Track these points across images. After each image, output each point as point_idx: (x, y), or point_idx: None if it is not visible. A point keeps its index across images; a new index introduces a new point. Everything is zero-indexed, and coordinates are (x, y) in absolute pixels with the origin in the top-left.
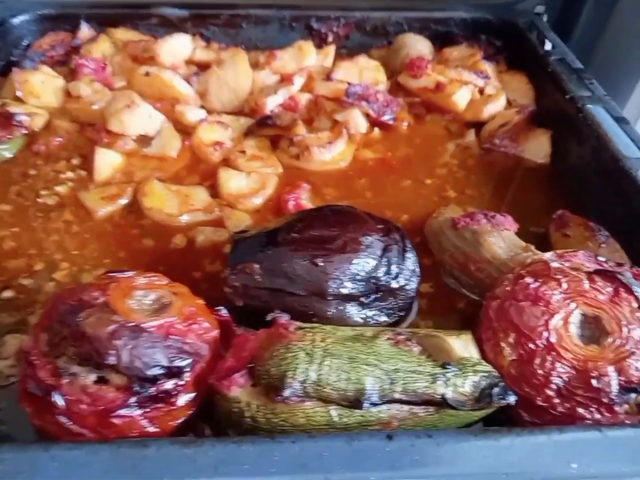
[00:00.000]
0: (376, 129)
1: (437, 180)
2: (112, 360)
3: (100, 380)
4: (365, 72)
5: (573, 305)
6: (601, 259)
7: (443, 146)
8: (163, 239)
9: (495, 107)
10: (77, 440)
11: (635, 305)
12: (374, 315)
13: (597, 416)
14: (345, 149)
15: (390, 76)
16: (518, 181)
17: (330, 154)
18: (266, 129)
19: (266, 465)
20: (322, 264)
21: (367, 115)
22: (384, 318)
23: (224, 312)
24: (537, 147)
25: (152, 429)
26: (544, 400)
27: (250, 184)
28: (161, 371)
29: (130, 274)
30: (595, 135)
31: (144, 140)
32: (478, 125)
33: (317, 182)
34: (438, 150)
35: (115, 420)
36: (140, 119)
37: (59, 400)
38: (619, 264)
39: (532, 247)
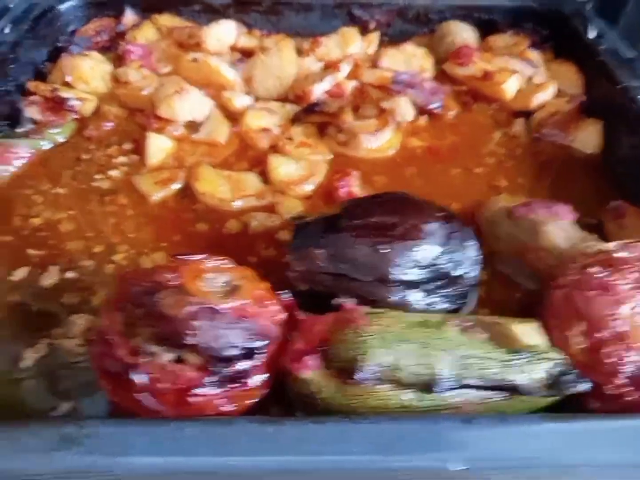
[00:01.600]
0: (423, 117)
1: (486, 169)
2: (190, 340)
3: (177, 360)
4: (411, 59)
5: None
6: None
7: (490, 135)
8: (217, 223)
9: (544, 96)
10: (161, 417)
11: None
12: (435, 302)
13: None
14: (393, 136)
15: (433, 64)
16: (568, 172)
17: (378, 142)
18: (313, 115)
19: (346, 445)
20: (384, 250)
21: (415, 104)
22: (444, 305)
23: (287, 296)
24: (588, 138)
25: (226, 408)
26: (613, 389)
27: (300, 170)
28: (237, 352)
29: (199, 257)
30: None
31: (193, 126)
32: (525, 115)
33: (366, 169)
34: (485, 139)
35: (192, 399)
36: (190, 104)
37: (139, 378)
38: None
39: (593, 236)
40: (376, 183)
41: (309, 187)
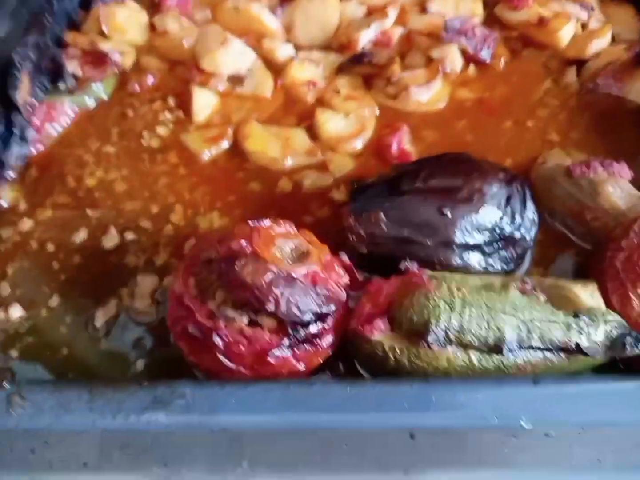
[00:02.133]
0: (471, 67)
1: (538, 122)
2: (271, 307)
3: (253, 323)
4: (460, 3)
5: None
6: None
7: (541, 85)
8: (269, 182)
9: (600, 43)
10: (244, 379)
11: None
12: (494, 263)
13: None
14: (442, 88)
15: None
16: (622, 125)
17: (428, 94)
18: (360, 66)
19: (424, 404)
20: (449, 213)
21: (463, 52)
22: (502, 266)
23: (345, 257)
24: None
25: (300, 367)
26: None
27: (349, 125)
28: (312, 316)
29: (267, 223)
30: None
31: (236, 79)
32: (578, 63)
33: (415, 123)
34: (536, 89)
35: (270, 360)
36: (233, 56)
37: (219, 341)
38: None
39: None
40: (427, 138)
41: (359, 144)
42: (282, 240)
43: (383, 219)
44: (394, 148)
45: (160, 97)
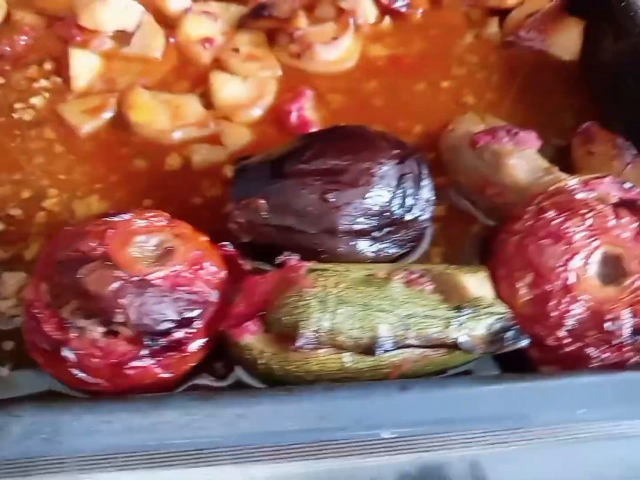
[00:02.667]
0: (386, 19)
1: (454, 82)
2: (119, 318)
3: (109, 332)
4: None
5: (596, 243)
6: (627, 185)
7: (461, 39)
8: (156, 158)
9: None
10: (95, 397)
11: None
12: (386, 248)
13: (604, 355)
14: (352, 45)
15: None
16: (543, 83)
17: (335, 52)
18: (262, 20)
19: (285, 418)
20: (333, 199)
21: (377, 2)
22: (395, 250)
23: (229, 247)
24: (567, 41)
25: (165, 375)
26: (555, 340)
27: (247, 91)
28: (171, 324)
29: (127, 216)
30: (637, 32)
31: (123, 37)
32: (501, 13)
33: (321, 86)
34: (456, 44)
35: (129, 372)
36: (116, 10)
37: (69, 355)
38: None
39: (555, 169)
40: (332, 103)
41: (256, 112)
42: (143, 237)
43: (264, 206)
44: (294, 116)
45: (36, 61)
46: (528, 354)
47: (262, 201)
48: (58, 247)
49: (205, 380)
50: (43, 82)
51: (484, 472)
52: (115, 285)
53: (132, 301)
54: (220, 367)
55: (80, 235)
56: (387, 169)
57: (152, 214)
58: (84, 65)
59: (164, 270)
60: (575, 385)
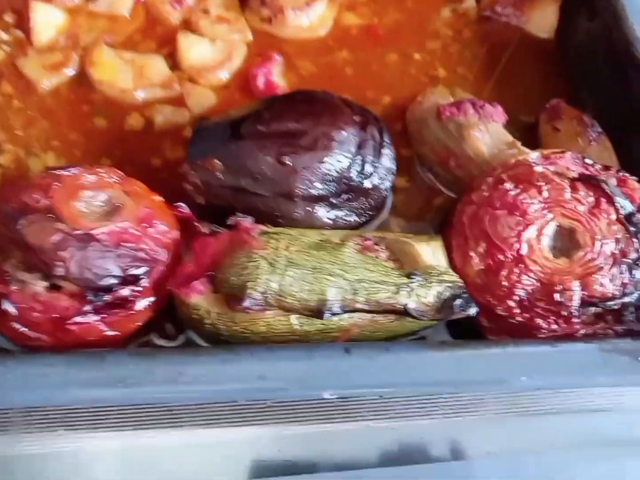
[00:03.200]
0: None
1: (426, 55)
2: (60, 271)
3: (53, 287)
4: None
5: (550, 216)
6: (588, 161)
7: (437, 12)
8: (117, 118)
9: None
10: (33, 349)
11: (613, 217)
12: (344, 215)
13: (554, 326)
14: (326, 11)
15: None
16: (515, 59)
17: (307, 18)
18: None
19: (225, 375)
20: (289, 162)
21: None
22: (354, 218)
23: (184, 208)
24: (543, 18)
25: (111, 333)
26: (505, 310)
27: (215, 53)
28: (115, 280)
29: (75, 170)
30: (611, 11)
31: None
32: None
33: (291, 52)
34: (431, 17)
35: (72, 327)
36: None
37: (9, 308)
38: (606, 167)
39: (518, 144)
40: (301, 70)
41: (223, 75)
42: (91, 192)
43: (219, 166)
44: (261, 81)
45: None
46: (479, 323)
47: (217, 161)
48: (2, 200)
49: (154, 340)
50: (3, 35)
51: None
52: (56, 237)
53: (74, 254)
54: (170, 328)
55: (26, 187)
56: (347, 135)
57: (103, 170)
58: (47, 20)
59: (110, 226)
60: (517, 354)
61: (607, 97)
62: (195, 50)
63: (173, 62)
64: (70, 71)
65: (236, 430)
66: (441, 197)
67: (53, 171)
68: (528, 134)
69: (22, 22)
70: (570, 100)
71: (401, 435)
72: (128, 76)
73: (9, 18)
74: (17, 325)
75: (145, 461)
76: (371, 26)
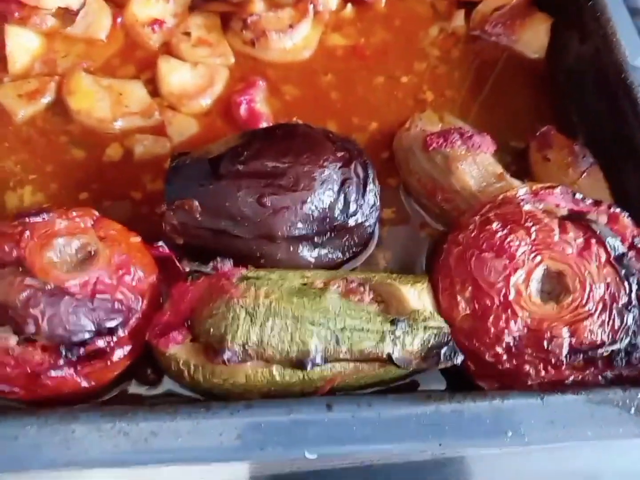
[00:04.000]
0: (349, 6)
1: (414, 77)
2: (31, 329)
3: (26, 339)
4: None
5: (538, 259)
6: (578, 196)
7: (425, 31)
8: (96, 148)
9: None
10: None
11: (604, 258)
12: (328, 253)
13: (543, 373)
14: (311, 33)
15: None
16: (505, 81)
17: (291, 41)
18: (215, 3)
19: (201, 438)
20: (270, 203)
21: None
22: (338, 255)
23: (164, 247)
24: (533, 38)
25: (86, 384)
26: (492, 357)
27: (196, 78)
28: (89, 335)
29: (47, 216)
30: (602, 34)
31: (66, 16)
32: (468, 5)
33: (275, 76)
34: (419, 36)
35: (47, 381)
36: None
37: None
38: (597, 203)
39: (507, 176)
40: (286, 95)
41: (205, 102)
42: (63, 239)
43: (197, 207)
44: (243, 108)
45: None
46: (467, 368)
47: (195, 202)
48: None
49: (134, 388)
50: None
51: None
52: (25, 294)
53: (44, 311)
54: (150, 373)
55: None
56: (329, 173)
57: (76, 213)
58: (21, 45)
59: (83, 277)
60: (504, 408)
61: (597, 123)
62: (176, 75)
63: (153, 87)
64: (46, 99)
65: None
66: (428, 228)
67: (25, 218)
68: (519, 159)
69: None
70: (561, 124)
71: None
72: (106, 104)
73: None
74: None
75: None
76: (357, 47)
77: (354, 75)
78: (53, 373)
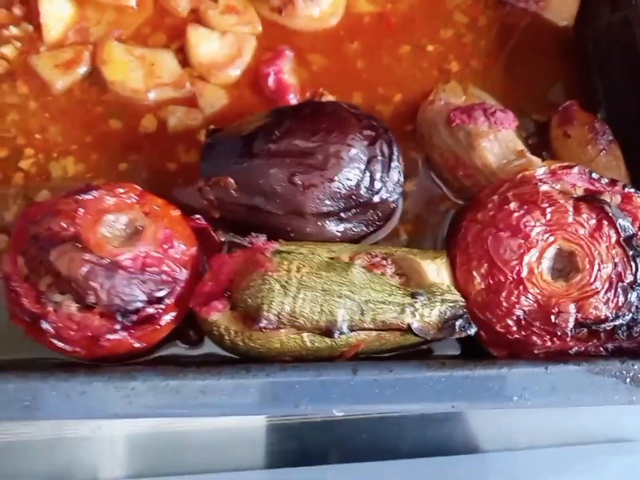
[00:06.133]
0: None
1: (440, 46)
2: (91, 299)
3: (85, 306)
4: None
5: (551, 239)
6: (595, 176)
7: None
8: (131, 119)
9: None
10: (71, 368)
11: (614, 239)
12: (353, 227)
13: (549, 344)
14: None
15: None
16: (532, 51)
17: (319, 8)
18: None
19: (242, 395)
20: (300, 182)
21: None
22: (362, 228)
23: (200, 220)
24: (563, 5)
25: (139, 345)
26: (503, 327)
27: (225, 48)
28: (141, 304)
29: (97, 193)
30: (633, 2)
31: None
32: None
33: (302, 45)
34: (447, 1)
35: (104, 343)
36: None
37: (47, 327)
38: (612, 182)
39: (528, 153)
40: (313, 65)
41: (234, 72)
42: (113, 215)
43: (232, 184)
44: (271, 80)
45: (4, 4)
46: (479, 337)
47: (230, 180)
48: (31, 220)
49: (178, 349)
50: (13, 30)
51: None
52: (85, 269)
53: (102, 284)
54: (193, 334)
55: (52, 212)
56: (356, 152)
57: (122, 190)
58: (55, 13)
59: (134, 251)
60: (510, 375)
61: (621, 98)
62: (205, 45)
63: (183, 57)
64: (82, 69)
65: None
66: (449, 202)
67: (76, 196)
68: (540, 132)
69: (31, 14)
70: (584, 97)
71: None
72: (139, 75)
73: (18, 10)
74: (55, 341)
75: None
76: (384, 14)
77: (379, 44)
78: (110, 336)
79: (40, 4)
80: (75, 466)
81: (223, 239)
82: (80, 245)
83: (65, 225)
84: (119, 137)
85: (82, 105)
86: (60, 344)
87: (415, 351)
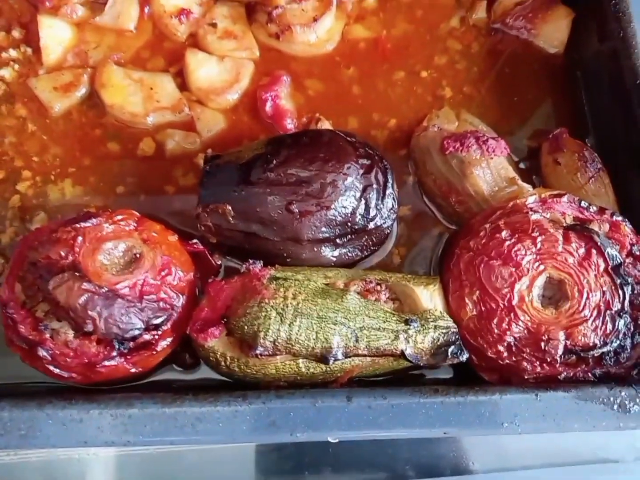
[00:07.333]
0: None
1: (434, 72)
2: (89, 328)
3: (83, 333)
4: None
5: (542, 267)
6: (584, 204)
7: (447, 22)
8: (129, 142)
9: None
10: (68, 396)
11: (602, 267)
12: (348, 252)
13: (538, 369)
14: (334, 25)
15: None
16: (523, 78)
17: (315, 34)
18: None
19: (239, 423)
20: (297, 210)
21: None
22: (357, 253)
23: (198, 244)
24: (554, 32)
25: (134, 370)
26: (494, 354)
27: (223, 73)
28: (138, 332)
29: (96, 221)
30: (621, 36)
31: (95, 5)
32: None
33: (299, 70)
34: (440, 28)
35: (101, 369)
36: None
37: (44, 354)
38: (601, 210)
39: (519, 181)
40: (309, 90)
41: (232, 97)
42: (111, 243)
43: (230, 212)
44: (269, 105)
45: (4, 28)
46: (471, 361)
47: (228, 207)
48: (30, 247)
49: (173, 372)
50: (12, 53)
51: None
52: (83, 298)
53: (101, 312)
54: (189, 358)
55: (51, 240)
56: (352, 180)
57: (121, 217)
58: (55, 36)
59: (132, 280)
60: (502, 402)
61: (609, 126)
62: (203, 70)
63: (181, 81)
64: (81, 92)
65: None
66: (442, 227)
67: (75, 224)
68: (532, 158)
69: (30, 37)
70: (574, 123)
71: None
72: (138, 99)
73: (17, 33)
74: (51, 367)
75: None
76: (379, 40)
77: (375, 69)
78: (107, 363)
79: (41, 28)
80: None
81: (220, 263)
82: (78, 274)
83: (63, 254)
84: (117, 160)
85: (81, 128)
86: (56, 371)
87: (408, 375)
